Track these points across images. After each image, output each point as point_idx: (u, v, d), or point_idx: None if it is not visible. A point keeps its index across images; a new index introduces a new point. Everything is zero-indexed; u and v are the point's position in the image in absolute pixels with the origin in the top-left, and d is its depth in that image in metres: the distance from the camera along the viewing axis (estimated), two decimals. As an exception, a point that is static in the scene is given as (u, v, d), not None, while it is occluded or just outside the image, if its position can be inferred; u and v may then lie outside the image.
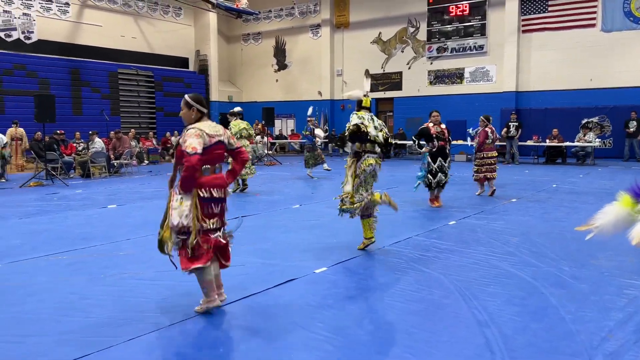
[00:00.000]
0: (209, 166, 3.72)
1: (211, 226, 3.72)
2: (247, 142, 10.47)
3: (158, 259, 5.23)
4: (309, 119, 13.96)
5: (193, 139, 3.60)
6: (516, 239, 6.08)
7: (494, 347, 3.13)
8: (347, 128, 5.52)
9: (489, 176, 9.53)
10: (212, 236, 3.73)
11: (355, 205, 5.43)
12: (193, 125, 3.69)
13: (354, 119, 5.45)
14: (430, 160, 8.40)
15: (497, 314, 3.68)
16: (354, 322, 3.61)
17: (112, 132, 16.05)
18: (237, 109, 11.15)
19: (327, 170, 13.99)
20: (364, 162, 5.47)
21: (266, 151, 19.64)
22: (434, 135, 8.32)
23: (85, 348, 3.14)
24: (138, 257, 5.36)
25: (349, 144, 5.53)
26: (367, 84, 6.02)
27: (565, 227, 6.78)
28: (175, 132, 21.91)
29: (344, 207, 5.49)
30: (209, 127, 3.73)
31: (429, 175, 8.37)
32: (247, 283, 4.45)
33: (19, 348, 3.18)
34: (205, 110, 3.81)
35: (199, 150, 3.55)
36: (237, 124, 10.45)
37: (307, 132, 13.76)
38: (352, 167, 5.50)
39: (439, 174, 8.30)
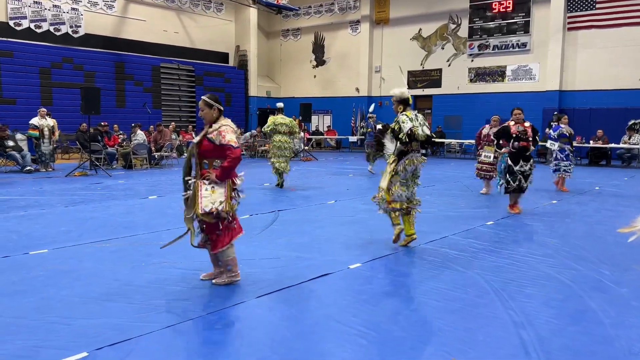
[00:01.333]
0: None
1: (232, 208, 4.21)
2: (286, 138, 10.36)
3: (196, 250, 5.38)
4: (370, 115, 14.00)
5: (232, 135, 4.03)
6: (555, 241, 5.97)
7: (529, 349, 3.11)
8: (390, 128, 5.45)
9: (487, 176, 9.69)
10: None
11: (391, 204, 5.39)
12: (224, 123, 4.10)
13: (406, 122, 5.31)
14: (511, 162, 7.72)
15: (534, 316, 3.64)
16: (388, 318, 3.64)
17: (151, 126, 16.45)
18: (279, 104, 11.19)
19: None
20: (408, 160, 5.42)
21: (302, 147, 19.76)
22: (514, 135, 7.65)
23: (127, 332, 3.26)
24: (177, 248, 5.48)
25: (393, 144, 5.46)
26: (404, 80, 6.01)
27: (607, 230, 6.62)
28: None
29: (379, 202, 5.49)
30: (233, 124, 4.18)
31: (508, 179, 7.73)
32: (282, 276, 4.52)
33: (67, 329, 3.33)
34: (222, 109, 4.19)
35: (239, 144, 4.03)
36: (273, 119, 10.43)
37: (369, 129, 13.83)
38: (393, 165, 5.44)
39: (520, 177, 7.64)
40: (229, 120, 4.17)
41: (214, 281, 4.29)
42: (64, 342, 3.12)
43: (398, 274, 4.68)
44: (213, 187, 4.03)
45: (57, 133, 14.20)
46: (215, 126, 4.09)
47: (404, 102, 5.51)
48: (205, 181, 4.04)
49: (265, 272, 4.65)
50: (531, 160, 7.73)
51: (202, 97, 4.20)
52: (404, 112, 5.44)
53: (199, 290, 4.12)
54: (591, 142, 17.22)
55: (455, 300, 4.00)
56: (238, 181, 4.21)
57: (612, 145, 16.53)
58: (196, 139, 4.23)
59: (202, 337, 3.31)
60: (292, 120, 10.78)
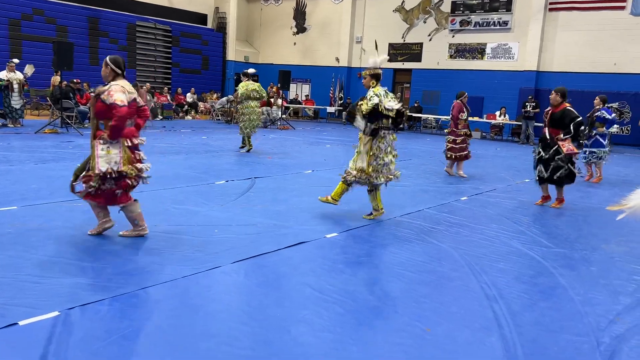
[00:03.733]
0: (128, 119, 4.23)
1: (135, 170, 4.29)
2: (256, 104, 10.73)
3: (172, 213, 5.32)
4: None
5: (119, 94, 4.12)
6: (528, 219, 6.08)
7: (501, 322, 3.17)
8: (360, 104, 5.32)
9: (456, 156, 8.91)
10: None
11: (371, 178, 5.40)
12: (115, 82, 4.21)
13: (373, 99, 5.20)
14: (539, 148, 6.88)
15: (506, 290, 3.71)
16: (364, 287, 3.66)
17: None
18: (251, 70, 11.31)
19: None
20: (380, 139, 5.35)
21: (280, 115, 19.56)
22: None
23: (101, 293, 3.21)
24: (152, 210, 5.40)
25: (363, 122, 5.32)
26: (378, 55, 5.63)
27: (578, 210, 6.77)
28: (193, 89, 21.87)
29: (355, 178, 5.43)
30: (127, 85, 4.29)
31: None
32: (259, 242, 4.50)
33: (38, 287, 3.25)
34: (119, 71, 4.30)
35: (126, 103, 4.12)
36: (245, 85, 10.67)
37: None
38: (368, 145, 5.35)
39: (540, 165, 6.81)
40: (125, 82, 4.30)
41: (120, 233, 4.41)
42: (35, 301, 3.06)
43: (374, 245, 4.71)
44: (108, 147, 4.14)
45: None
46: (106, 87, 4.19)
47: (376, 77, 5.39)
48: (100, 141, 4.14)
49: (241, 238, 4.62)
50: (554, 146, 6.66)
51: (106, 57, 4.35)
52: (372, 88, 5.32)
53: (174, 253, 4.07)
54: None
55: (430, 272, 4.05)
56: (135, 141, 4.32)
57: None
58: (91, 101, 4.31)
59: (178, 300, 3.27)
60: (260, 85, 10.99)
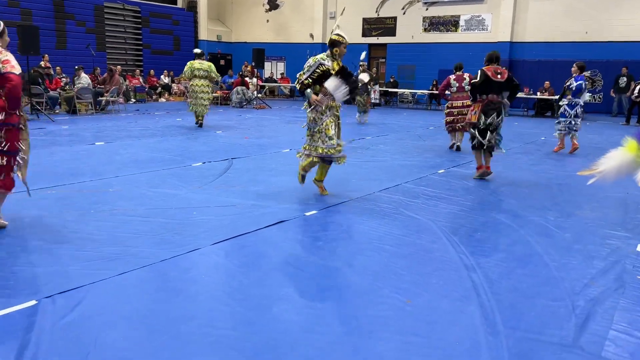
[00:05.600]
0: None
1: None
2: (203, 82, 11.29)
3: (148, 197, 5.26)
4: (361, 63, 13.62)
5: (17, 63, 4.01)
6: (503, 189, 6.16)
7: (479, 290, 3.23)
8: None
9: (453, 127, 9.09)
10: None
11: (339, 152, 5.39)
12: (6, 51, 4.04)
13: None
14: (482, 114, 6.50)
15: (484, 260, 3.77)
16: (343, 263, 3.68)
17: (97, 69, 15.68)
18: (196, 50, 11.97)
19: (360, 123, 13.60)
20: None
21: (255, 94, 19.37)
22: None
23: (78, 280, 3.17)
24: (128, 194, 5.35)
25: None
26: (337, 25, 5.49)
27: (552, 178, 6.88)
28: (166, 71, 21.48)
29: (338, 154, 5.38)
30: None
31: (476, 133, 6.55)
32: (239, 223, 4.48)
33: (13, 277, 3.19)
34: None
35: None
36: (190, 64, 11.29)
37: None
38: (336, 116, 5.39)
39: (488, 132, 6.46)
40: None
41: None
42: (11, 291, 3.00)
43: (353, 221, 4.72)
44: None
45: None
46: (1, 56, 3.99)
47: (330, 44, 5.33)
48: None
49: (220, 219, 4.59)
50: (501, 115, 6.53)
51: None
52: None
53: (152, 237, 4.03)
54: (538, 93, 17.67)
55: (409, 245, 4.09)
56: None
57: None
58: None
59: (156, 284, 3.25)
60: (210, 65, 11.49)
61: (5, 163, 4.10)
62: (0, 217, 4.19)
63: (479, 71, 6.49)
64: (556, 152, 9.26)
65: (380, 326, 2.77)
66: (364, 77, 13.12)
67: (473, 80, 6.59)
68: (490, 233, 4.46)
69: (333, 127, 5.29)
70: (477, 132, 6.51)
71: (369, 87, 13.32)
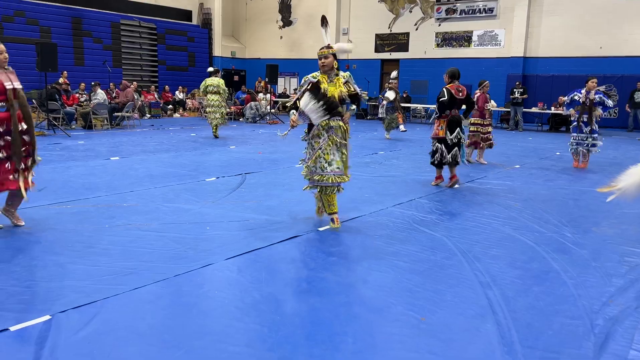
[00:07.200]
0: None
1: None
2: (216, 97, 12.19)
3: (162, 211, 5.28)
4: (390, 80, 13.69)
5: None
6: (519, 205, 6.09)
7: (495, 308, 3.18)
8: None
9: (480, 143, 9.35)
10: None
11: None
12: None
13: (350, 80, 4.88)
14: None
15: (500, 276, 3.71)
16: (357, 279, 3.65)
17: (111, 84, 15.89)
18: (210, 68, 13.05)
19: (404, 131, 13.90)
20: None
21: (269, 109, 19.49)
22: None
23: (92, 295, 3.17)
24: (142, 209, 5.38)
25: (352, 106, 4.93)
26: (327, 35, 5.13)
27: (568, 194, 6.80)
28: (180, 87, 21.73)
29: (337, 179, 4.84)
30: None
31: (443, 147, 6.90)
32: (252, 238, 4.47)
33: (28, 292, 3.21)
34: None
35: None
36: (205, 81, 12.39)
37: (381, 95, 14.06)
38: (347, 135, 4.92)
39: (455, 147, 6.88)
40: None
41: None
42: (26, 305, 3.02)
43: (367, 237, 4.69)
44: None
45: None
46: None
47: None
48: None
49: (233, 234, 4.59)
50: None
51: None
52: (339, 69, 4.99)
53: (166, 252, 4.04)
54: (552, 108, 17.56)
55: (424, 261, 4.05)
56: None
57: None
58: None
59: (170, 299, 3.25)
60: (220, 80, 12.48)
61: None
62: (17, 217, 4.65)
63: (444, 89, 6.91)
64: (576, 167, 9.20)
65: (396, 344, 2.73)
66: (390, 94, 13.17)
67: (442, 99, 6.88)
68: (506, 249, 4.40)
69: (333, 150, 4.77)
70: (444, 147, 6.87)
71: (396, 104, 13.31)
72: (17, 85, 4.46)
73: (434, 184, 7.16)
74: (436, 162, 6.99)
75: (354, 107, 4.94)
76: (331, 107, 4.63)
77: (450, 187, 7.01)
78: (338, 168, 4.76)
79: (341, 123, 4.82)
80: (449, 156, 6.87)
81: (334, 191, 4.84)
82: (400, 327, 2.91)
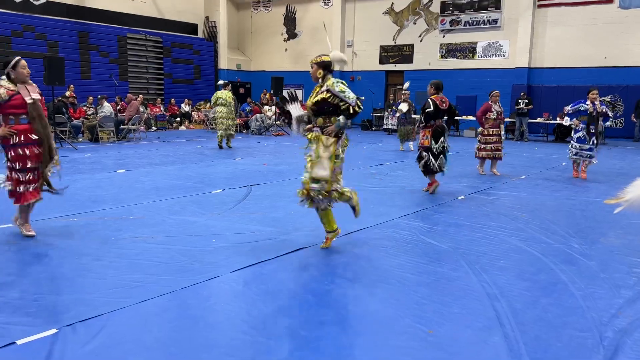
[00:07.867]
0: (12, 116, 4.60)
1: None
2: (224, 109, 12.63)
3: (169, 224, 5.29)
4: (403, 92, 13.66)
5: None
6: (525, 215, 6.07)
7: (503, 320, 3.16)
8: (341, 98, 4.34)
9: (490, 155, 9.18)
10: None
11: (334, 195, 4.46)
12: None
13: (346, 88, 4.39)
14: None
15: (507, 288, 3.69)
16: (364, 291, 3.64)
17: (117, 97, 16.03)
18: (220, 82, 13.89)
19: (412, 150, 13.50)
20: (346, 140, 4.55)
21: (274, 121, 19.56)
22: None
23: (99, 308, 3.18)
24: (149, 222, 5.39)
25: (343, 119, 4.39)
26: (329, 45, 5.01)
27: (575, 204, 6.77)
28: (186, 99, 21.86)
29: (319, 195, 4.41)
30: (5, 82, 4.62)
31: (430, 156, 7.18)
32: (258, 250, 4.47)
33: (35, 305, 3.22)
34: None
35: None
36: (215, 94, 12.91)
37: (394, 107, 14.22)
38: (332, 147, 4.36)
39: (441, 156, 7.21)
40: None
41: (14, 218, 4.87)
42: (33, 319, 3.02)
43: (373, 248, 4.68)
44: None
45: None
46: None
47: (329, 67, 4.56)
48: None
49: (239, 246, 4.59)
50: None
51: None
52: (339, 81, 4.40)
53: (172, 264, 4.05)
54: (558, 119, 17.52)
55: (430, 273, 4.03)
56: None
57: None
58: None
59: (176, 312, 3.24)
60: (228, 93, 12.88)
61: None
62: (28, 227, 4.76)
63: (429, 100, 7.22)
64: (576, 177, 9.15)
65: (403, 357, 2.72)
66: (404, 106, 13.12)
67: (427, 109, 7.19)
68: (513, 261, 4.38)
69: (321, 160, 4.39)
70: (430, 156, 7.16)
71: (409, 116, 13.21)
72: (35, 96, 4.69)
73: (425, 189, 7.44)
74: (422, 169, 7.33)
75: (340, 118, 4.38)
76: (286, 115, 4.81)
77: (432, 193, 7.26)
78: (317, 183, 4.40)
79: (318, 134, 4.44)
80: (436, 164, 7.18)
81: (322, 207, 4.52)
82: (407, 340, 2.90)
